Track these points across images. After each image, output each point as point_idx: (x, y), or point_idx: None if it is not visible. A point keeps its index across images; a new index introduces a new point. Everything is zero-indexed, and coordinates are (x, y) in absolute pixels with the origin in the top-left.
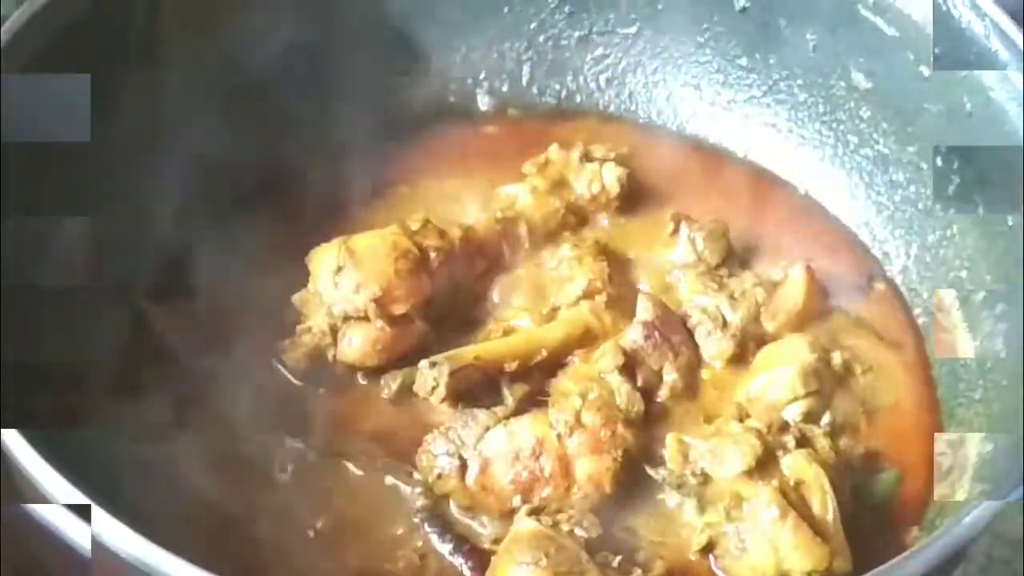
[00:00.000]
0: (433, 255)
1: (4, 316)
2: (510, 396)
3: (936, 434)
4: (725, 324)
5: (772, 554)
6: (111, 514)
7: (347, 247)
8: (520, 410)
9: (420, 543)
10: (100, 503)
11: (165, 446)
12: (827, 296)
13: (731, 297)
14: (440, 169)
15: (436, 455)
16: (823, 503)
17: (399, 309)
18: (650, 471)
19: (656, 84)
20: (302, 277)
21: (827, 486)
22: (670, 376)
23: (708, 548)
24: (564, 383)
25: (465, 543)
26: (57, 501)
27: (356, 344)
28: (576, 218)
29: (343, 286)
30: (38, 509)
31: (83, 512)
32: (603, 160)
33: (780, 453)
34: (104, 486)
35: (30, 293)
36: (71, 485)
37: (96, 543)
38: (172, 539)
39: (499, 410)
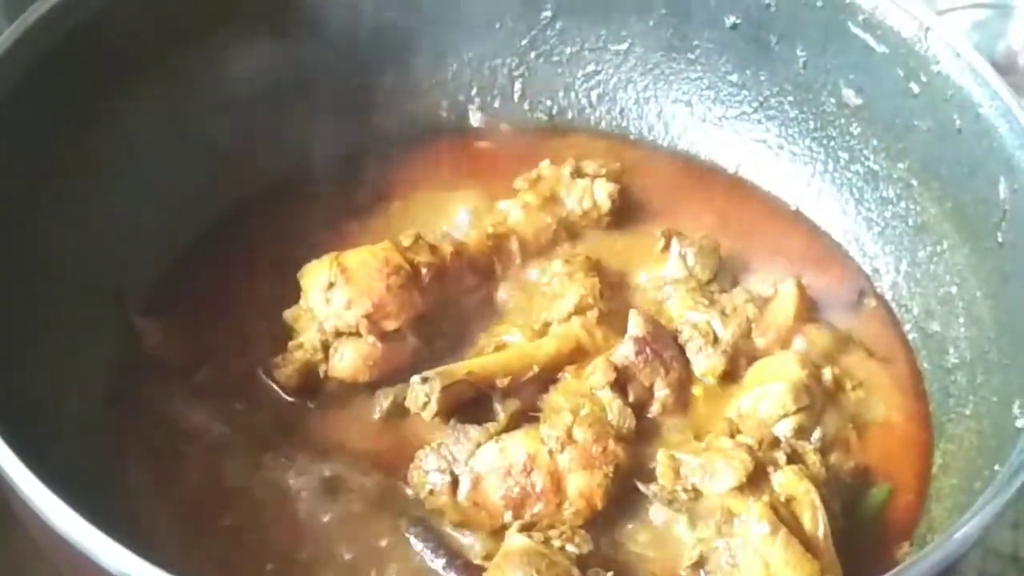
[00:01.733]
0: (425, 271)
1: None
2: (502, 412)
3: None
4: (716, 340)
5: (763, 570)
6: (99, 528)
7: (339, 263)
8: (512, 426)
9: (412, 560)
10: (88, 517)
11: (154, 460)
12: (817, 312)
13: (722, 313)
14: (432, 184)
15: (428, 471)
16: (814, 519)
17: (391, 325)
18: (641, 487)
19: (647, 100)
20: (294, 293)
21: (818, 502)
22: (661, 392)
23: (699, 564)
24: (555, 399)
25: (457, 558)
26: (44, 514)
27: (348, 360)
28: (567, 234)
29: (335, 302)
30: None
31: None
32: (594, 176)
33: (771, 469)
34: (92, 499)
35: (24, 307)
36: (60, 499)
37: (83, 556)
38: (158, 552)
39: (491, 426)
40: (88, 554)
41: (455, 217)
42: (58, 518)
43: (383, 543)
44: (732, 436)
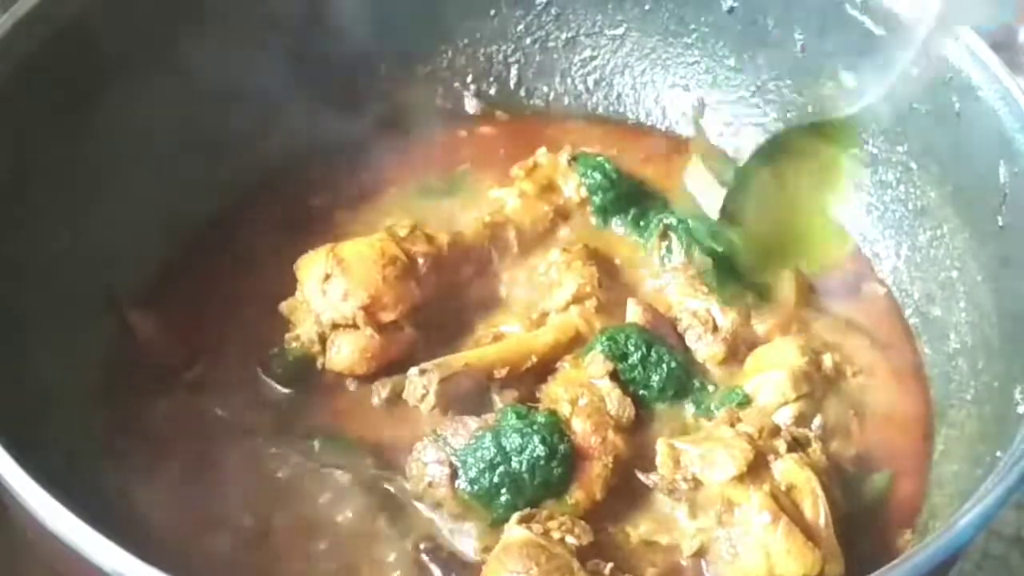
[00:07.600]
0: (421, 261)
1: None
2: (500, 403)
3: None
4: (715, 327)
5: (764, 559)
6: (91, 525)
7: (335, 254)
8: None
9: (411, 549)
10: (80, 514)
11: (149, 457)
12: (817, 298)
13: (721, 300)
14: (428, 173)
15: (426, 463)
16: (815, 507)
17: (388, 316)
18: (641, 477)
19: (644, 85)
20: (290, 285)
21: (819, 490)
22: None
23: (700, 553)
24: (554, 389)
25: (456, 551)
26: (37, 512)
27: (345, 352)
28: (565, 222)
29: (331, 294)
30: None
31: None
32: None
33: (771, 458)
34: (85, 497)
35: (14, 303)
36: (52, 497)
37: (76, 553)
38: (152, 550)
39: (489, 417)
40: (81, 552)
41: (452, 206)
42: (49, 516)
43: (380, 535)
44: (732, 425)
